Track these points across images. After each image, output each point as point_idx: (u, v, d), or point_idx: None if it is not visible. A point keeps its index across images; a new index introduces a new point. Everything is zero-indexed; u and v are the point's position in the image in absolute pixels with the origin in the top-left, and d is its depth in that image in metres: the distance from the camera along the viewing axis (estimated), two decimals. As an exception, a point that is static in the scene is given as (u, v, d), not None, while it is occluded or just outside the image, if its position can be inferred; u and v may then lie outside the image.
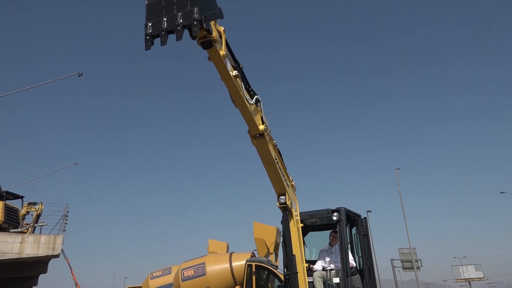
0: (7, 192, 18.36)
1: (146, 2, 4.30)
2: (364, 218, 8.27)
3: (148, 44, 4.04)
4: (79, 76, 20.40)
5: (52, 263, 17.88)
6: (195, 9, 3.86)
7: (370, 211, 41.37)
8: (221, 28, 5.13)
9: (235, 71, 5.41)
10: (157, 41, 4.12)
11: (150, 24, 4.08)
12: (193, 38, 4.70)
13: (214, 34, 4.69)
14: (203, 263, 11.16)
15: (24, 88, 18.79)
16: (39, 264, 17.23)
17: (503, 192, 41.88)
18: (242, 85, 5.65)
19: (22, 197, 18.99)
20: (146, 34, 4.06)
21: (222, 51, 4.99)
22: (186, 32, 4.53)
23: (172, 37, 4.14)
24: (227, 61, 5.27)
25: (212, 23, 4.74)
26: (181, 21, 3.91)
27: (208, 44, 4.65)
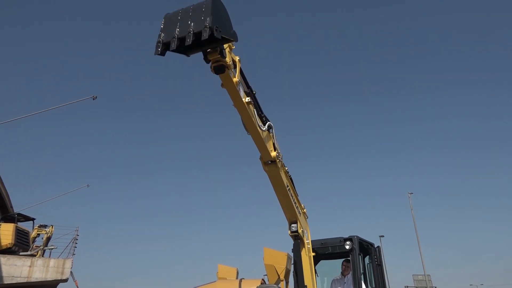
0: (19, 214, 18.43)
1: (165, 14, 4.35)
2: (378, 247, 8.07)
3: (158, 49, 4.07)
4: (93, 99, 20.69)
5: (60, 286, 17.73)
6: (208, 18, 3.87)
7: (383, 236, 40.42)
8: (237, 58, 5.19)
9: (248, 98, 5.41)
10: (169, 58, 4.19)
11: (163, 34, 4.13)
12: (207, 61, 4.75)
13: (228, 59, 4.73)
14: (212, 290, 10.91)
15: (38, 111, 19.07)
16: (47, 288, 17.09)
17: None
18: (255, 111, 5.65)
19: (33, 219, 19.03)
20: (158, 41, 4.11)
21: (236, 78, 5.01)
22: (200, 56, 4.60)
23: (185, 60, 4.15)
24: (240, 88, 5.28)
25: (227, 49, 4.79)
26: (192, 27, 3.93)
27: (221, 69, 4.66)
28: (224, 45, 4.65)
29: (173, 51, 4.27)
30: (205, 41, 4.30)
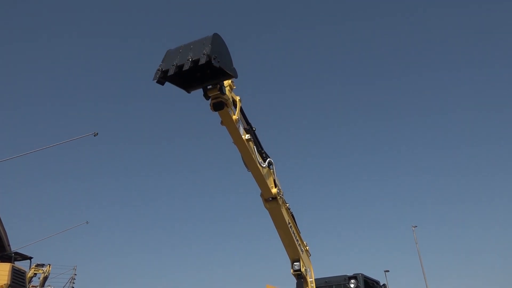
0: (16, 253, 18.07)
1: (167, 50, 4.39)
2: (384, 284, 7.84)
3: (157, 75, 4.14)
4: (94, 135, 20.74)
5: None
6: (207, 48, 3.94)
7: (388, 271, 39.49)
8: (237, 97, 5.26)
9: (247, 135, 5.41)
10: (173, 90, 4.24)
11: (163, 64, 4.20)
12: (207, 97, 4.78)
13: (227, 97, 4.77)
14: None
15: (40, 148, 19.08)
16: (43, 330, 16.53)
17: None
18: (255, 148, 5.63)
19: (30, 258, 18.66)
20: (157, 69, 4.17)
21: (235, 116, 5.04)
22: (200, 92, 4.62)
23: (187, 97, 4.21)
24: (240, 125, 5.30)
25: (227, 88, 4.83)
26: (191, 56, 4.00)
27: (220, 105, 4.69)
28: (224, 83, 4.71)
29: (173, 83, 4.35)
30: (206, 77, 4.39)
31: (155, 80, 4.18)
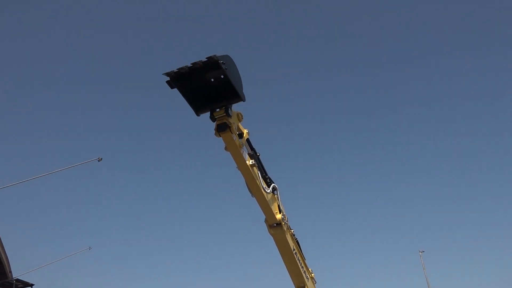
0: (17, 280, 17.92)
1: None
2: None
3: (171, 73, 4.31)
4: (98, 161, 20.81)
5: None
6: (218, 56, 4.13)
7: (396, 299, 38.54)
8: (245, 130, 5.35)
9: (251, 160, 5.41)
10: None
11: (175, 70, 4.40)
12: (213, 119, 4.83)
13: (233, 121, 4.80)
14: None
15: (43, 174, 19.13)
16: None
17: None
18: (259, 173, 5.61)
19: (32, 285, 18.48)
20: (171, 71, 4.34)
21: (239, 142, 5.06)
22: (207, 116, 4.74)
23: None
24: (244, 150, 5.31)
25: (236, 118, 4.90)
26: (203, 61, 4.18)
27: (223, 127, 4.72)
28: (233, 113, 4.80)
29: (184, 96, 4.52)
30: (215, 98, 4.56)
31: (167, 78, 4.35)
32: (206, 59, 4.12)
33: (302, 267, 6.54)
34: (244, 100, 4.66)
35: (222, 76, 4.29)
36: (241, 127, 5.21)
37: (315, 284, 7.10)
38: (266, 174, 5.97)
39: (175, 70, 4.34)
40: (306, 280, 6.53)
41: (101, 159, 21.02)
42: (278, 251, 6.27)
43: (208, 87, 4.54)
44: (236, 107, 5.11)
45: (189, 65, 4.24)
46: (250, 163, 5.34)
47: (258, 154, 5.69)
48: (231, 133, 4.84)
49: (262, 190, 5.58)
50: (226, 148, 5.07)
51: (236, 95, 4.52)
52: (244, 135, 5.30)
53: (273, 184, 5.96)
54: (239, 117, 5.09)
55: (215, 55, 4.11)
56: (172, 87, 4.51)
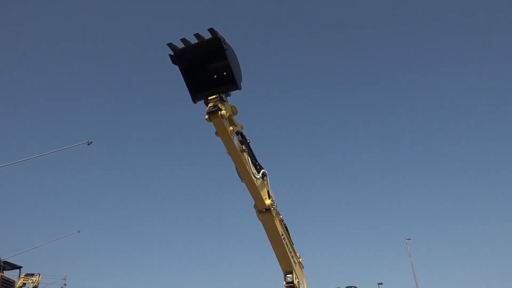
0: (5, 262, 17.82)
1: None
2: (376, 297, 7.81)
3: (175, 48, 4.59)
4: (88, 144, 20.67)
5: None
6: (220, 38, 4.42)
7: (381, 284, 39.30)
8: (239, 124, 5.44)
9: (242, 146, 5.44)
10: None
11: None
12: (207, 103, 4.85)
13: (225, 108, 4.81)
14: None
15: (31, 157, 18.95)
16: None
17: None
18: (249, 159, 5.65)
19: (20, 268, 18.40)
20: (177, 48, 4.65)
21: (230, 127, 5.06)
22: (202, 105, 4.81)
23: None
24: (234, 137, 5.32)
25: (229, 109, 4.95)
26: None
27: (215, 112, 4.73)
28: (228, 108, 4.83)
29: (185, 78, 4.70)
30: (213, 84, 4.74)
31: (172, 52, 4.58)
32: (209, 32, 4.39)
33: (290, 252, 6.63)
34: (240, 89, 4.72)
35: (223, 62, 4.53)
36: (235, 120, 5.23)
37: (302, 269, 7.21)
38: (256, 161, 6.00)
39: (180, 48, 4.55)
40: (293, 264, 6.63)
41: (91, 142, 20.91)
42: (267, 236, 6.35)
43: (208, 74, 4.72)
44: (232, 102, 5.22)
45: (191, 43, 4.51)
46: (241, 148, 5.36)
47: (248, 141, 5.72)
48: (222, 118, 4.84)
49: (252, 175, 5.62)
50: (216, 133, 5.09)
51: (233, 83, 4.62)
52: (238, 128, 5.33)
53: (263, 170, 6.00)
54: (233, 110, 5.10)
55: (217, 35, 4.37)
56: (173, 63, 4.65)
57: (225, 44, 4.41)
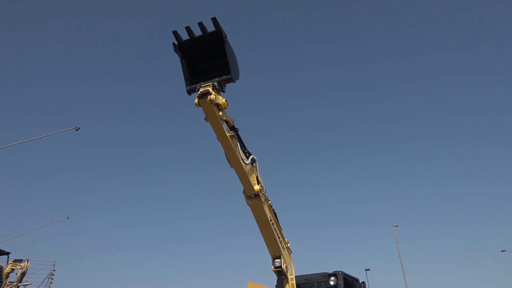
0: (-7, 248, 17.72)
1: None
2: (363, 282, 7.96)
3: (180, 39, 4.76)
4: (76, 130, 20.43)
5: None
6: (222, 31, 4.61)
7: (369, 270, 39.96)
8: (230, 118, 5.45)
9: (231, 132, 5.43)
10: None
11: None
12: (198, 90, 4.85)
13: (216, 95, 4.78)
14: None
15: (20, 141, 18.69)
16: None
17: (504, 250, 40.91)
18: (238, 145, 5.65)
19: (8, 254, 18.30)
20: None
21: (220, 113, 5.05)
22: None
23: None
24: (224, 123, 5.31)
25: (220, 99, 4.91)
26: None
27: (204, 96, 4.73)
28: (219, 100, 4.83)
29: (185, 64, 4.86)
30: (210, 72, 4.96)
31: (175, 41, 4.72)
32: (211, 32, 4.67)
33: (279, 237, 6.68)
34: (233, 81, 4.85)
35: (222, 58, 4.75)
36: (225, 113, 5.21)
37: (290, 254, 7.29)
38: (245, 148, 6.00)
39: (185, 39, 4.72)
40: (282, 249, 6.69)
41: (79, 128, 20.63)
42: (256, 222, 6.39)
43: (206, 70, 5.04)
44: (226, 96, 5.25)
45: (195, 35, 4.70)
46: (230, 134, 5.36)
47: (237, 128, 5.70)
48: (212, 103, 4.83)
49: (241, 161, 5.62)
50: (205, 119, 5.07)
51: (227, 74, 4.79)
52: (229, 120, 5.33)
53: (252, 156, 6.01)
54: (224, 103, 5.06)
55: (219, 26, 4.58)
56: (175, 51, 4.79)
57: (225, 36, 4.60)
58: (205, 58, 4.97)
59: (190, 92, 4.94)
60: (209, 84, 4.80)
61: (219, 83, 4.89)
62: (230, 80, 4.88)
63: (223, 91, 5.09)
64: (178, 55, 4.88)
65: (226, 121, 5.36)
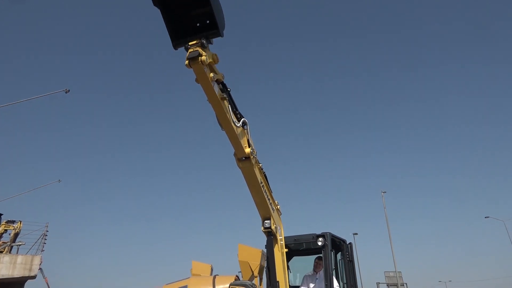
0: (-15, 210, 17.80)
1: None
2: (350, 243, 8.19)
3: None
4: (66, 92, 20.14)
5: (29, 284, 17.27)
6: None
7: (356, 234, 41.09)
8: (221, 74, 5.31)
9: (223, 94, 5.39)
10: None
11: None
12: (187, 49, 4.75)
13: (206, 54, 4.70)
14: (186, 286, 10.86)
15: (7, 103, 18.41)
16: (14, 285, 16.62)
17: (488, 217, 42.22)
18: (229, 107, 5.62)
19: (0, 215, 18.45)
20: None
21: (211, 74, 4.99)
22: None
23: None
24: (215, 84, 5.26)
25: (211, 56, 4.82)
26: None
27: (195, 56, 4.63)
28: (208, 56, 4.72)
29: (165, 20, 4.56)
30: (195, 31, 4.61)
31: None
32: None
33: (269, 199, 6.78)
34: (222, 36, 4.67)
35: (206, 8, 4.37)
36: (215, 68, 5.14)
37: (280, 216, 7.44)
38: (237, 110, 5.96)
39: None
40: (272, 211, 6.80)
41: (69, 90, 20.34)
42: (246, 184, 6.46)
43: (190, 21, 4.67)
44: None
45: None
46: (221, 96, 5.32)
47: (229, 89, 5.65)
48: (203, 64, 4.76)
49: (232, 123, 5.61)
50: (196, 80, 5.02)
51: (215, 29, 4.53)
52: (219, 77, 5.25)
53: (243, 119, 5.98)
54: (214, 58, 4.99)
55: None
56: (154, 4, 4.53)
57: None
58: (188, 8, 4.70)
59: (176, 47, 4.82)
60: (197, 43, 4.69)
61: (206, 38, 4.77)
62: (218, 35, 4.72)
63: (211, 43, 4.97)
64: (159, 8, 4.67)
65: (217, 81, 5.31)
